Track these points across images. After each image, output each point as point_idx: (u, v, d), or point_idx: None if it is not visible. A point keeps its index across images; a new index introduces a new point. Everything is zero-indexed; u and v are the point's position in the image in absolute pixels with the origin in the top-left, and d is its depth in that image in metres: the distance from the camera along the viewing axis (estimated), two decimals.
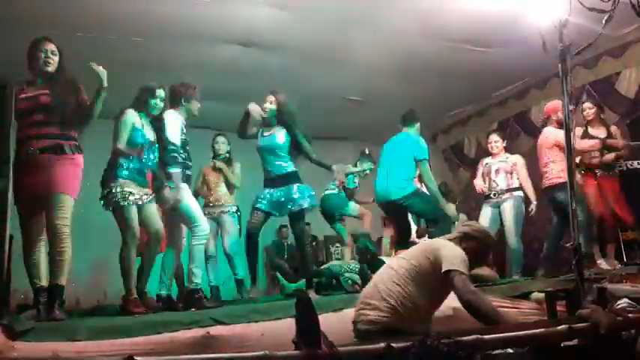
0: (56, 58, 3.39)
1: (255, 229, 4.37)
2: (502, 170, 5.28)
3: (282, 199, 4.29)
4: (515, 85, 6.77)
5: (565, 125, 3.09)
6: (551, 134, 4.93)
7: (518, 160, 5.35)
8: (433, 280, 2.66)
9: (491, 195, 5.27)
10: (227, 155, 5.21)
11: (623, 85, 5.60)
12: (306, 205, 4.30)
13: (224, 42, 5.18)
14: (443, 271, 2.61)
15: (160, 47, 5.02)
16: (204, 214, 4.37)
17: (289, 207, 4.28)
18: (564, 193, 4.43)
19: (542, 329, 2.09)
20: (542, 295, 3.74)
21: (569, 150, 3.08)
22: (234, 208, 5.14)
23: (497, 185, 5.26)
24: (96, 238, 5.21)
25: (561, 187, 4.49)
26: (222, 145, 5.21)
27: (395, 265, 2.81)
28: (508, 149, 5.55)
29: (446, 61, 5.69)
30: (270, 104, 4.38)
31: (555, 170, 4.86)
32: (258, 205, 4.36)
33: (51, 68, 3.35)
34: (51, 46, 3.38)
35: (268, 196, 4.35)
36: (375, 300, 2.67)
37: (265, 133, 4.43)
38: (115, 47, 4.87)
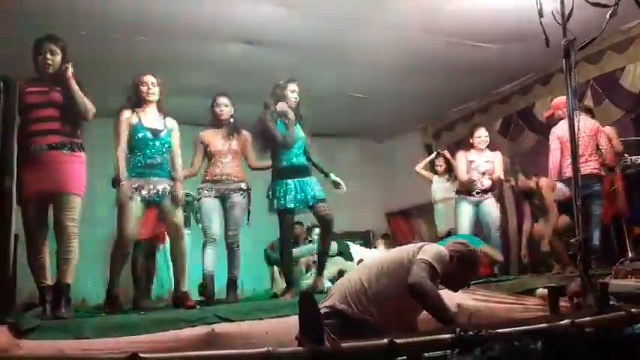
0: (57, 58, 3.37)
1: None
2: (487, 173, 5.32)
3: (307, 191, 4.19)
4: (519, 80, 6.75)
5: (569, 120, 3.08)
6: (585, 123, 4.84)
7: (497, 156, 5.41)
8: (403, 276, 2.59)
9: (474, 193, 5.27)
10: (231, 121, 4.41)
11: (628, 79, 5.57)
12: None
13: (226, 40, 5.19)
14: (415, 259, 2.59)
15: (161, 46, 5.03)
16: (205, 191, 4.26)
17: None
18: (595, 183, 4.67)
19: (545, 324, 2.08)
20: (547, 290, 3.75)
21: (573, 146, 3.07)
22: (245, 186, 4.38)
23: (483, 185, 5.29)
24: (101, 236, 5.23)
25: (588, 178, 4.53)
26: (225, 109, 4.40)
27: (371, 259, 2.86)
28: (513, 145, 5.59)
29: (449, 57, 5.67)
30: (295, 93, 4.26)
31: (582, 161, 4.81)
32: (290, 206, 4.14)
33: (52, 69, 3.34)
34: (51, 46, 3.36)
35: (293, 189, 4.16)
36: (336, 289, 2.77)
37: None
38: (117, 46, 4.89)
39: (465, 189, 5.31)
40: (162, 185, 3.75)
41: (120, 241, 3.66)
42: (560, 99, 4.88)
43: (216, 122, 4.41)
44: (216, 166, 4.33)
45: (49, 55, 3.35)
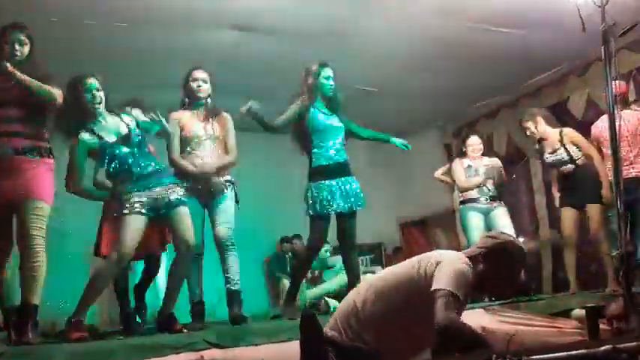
0: (26, 49, 3.37)
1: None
2: (490, 176, 5.43)
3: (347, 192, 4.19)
4: (551, 71, 6.68)
5: (610, 116, 3.08)
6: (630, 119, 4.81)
7: (496, 161, 5.62)
8: (415, 298, 2.47)
9: (482, 199, 5.39)
10: (209, 100, 4.21)
11: None
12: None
13: (216, 27, 5.17)
14: (432, 289, 2.40)
15: (142, 33, 5.02)
16: (184, 186, 3.92)
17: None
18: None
19: (583, 350, 2.06)
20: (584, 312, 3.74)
21: (614, 145, 3.06)
22: (231, 178, 4.22)
23: (490, 191, 5.41)
24: (73, 252, 5.23)
25: (633, 182, 4.60)
26: (204, 85, 4.20)
27: (374, 278, 2.76)
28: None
29: (471, 45, 5.66)
30: (330, 80, 4.33)
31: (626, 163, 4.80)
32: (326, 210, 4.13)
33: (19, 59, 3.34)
34: (19, 36, 3.35)
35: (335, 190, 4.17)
36: (335, 314, 2.66)
37: (324, 110, 4.31)
38: (92, 33, 4.89)
39: (470, 196, 5.43)
40: (167, 193, 3.66)
41: (111, 258, 3.52)
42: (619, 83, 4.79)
43: (192, 102, 4.21)
44: (196, 155, 4.10)
45: (17, 46, 3.34)
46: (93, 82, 3.60)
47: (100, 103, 3.62)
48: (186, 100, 4.23)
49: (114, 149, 3.62)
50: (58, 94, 3.36)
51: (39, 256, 3.23)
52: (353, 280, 4.19)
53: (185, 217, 3.70)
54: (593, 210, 4.98)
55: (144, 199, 3.57)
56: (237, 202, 4.20)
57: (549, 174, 5.75)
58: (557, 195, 5.35)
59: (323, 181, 4.15)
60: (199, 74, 4.21)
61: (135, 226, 3.54)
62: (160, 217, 3.67)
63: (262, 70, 5.67)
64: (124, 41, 5.07)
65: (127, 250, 3.50)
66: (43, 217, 3.28)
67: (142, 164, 3.66)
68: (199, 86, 4.17)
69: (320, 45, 5.42)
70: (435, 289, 2.38)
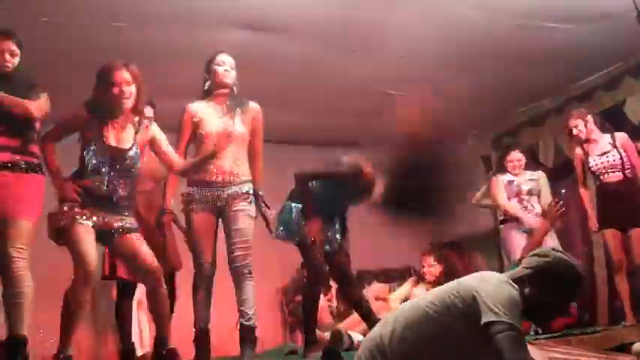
0: (16, 60, 3.44)
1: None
2: (534, 192, 5.53)
3: None
4: (605, 71, 6.67)
5: None
6: None
7: (542, 175, 5.68)
8: (449, 325, 2.40)
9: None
10: (234, 90, 4.01)
11: None
12: None
13: (229, 26, 5.21)
14: (483, 322, 2.30)
15: (143, 35, 5.09)
16: (196, 199, 3.83)
17: None
18: None
19: None
20: None
21: None
22: (251, 188, 3.93)
23: (534, 209, 5.45)
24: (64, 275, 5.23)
25: None
26: (231, 71, 4.01)
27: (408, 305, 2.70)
28: None
29: (513, 42, 5.65)
30: None
31: None
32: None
33: (9, 71, 3.43)
34: (9, 45, 3.42)
35: None
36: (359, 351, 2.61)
37: None
38: (88, 35, 4.96)
39: (512, 216, 5.44)
40: (116, 221, 3.45)
41: (78, 277, 3.28)
42: None
43: (214, 90, 3.96)
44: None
45: (7, 57, 3.41)
46: (125, 73, 3.37)
47: (127, 99, 3.37)
48: (208, 85, 3.99)
49: (97, 162, 3.41)
50: (34, 107, 3.37)
51: (22, 280, 3.24)
52: (366, 318, 4.24)
53: (138, 242, 3.48)
54: (638, 235, 4.99)
55: (92, 217, 3.37)
56: (265, 217, 4.06)
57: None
58: (592, 216, 5.35)
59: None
60: (226, 58, 4.02)
61: (87, 236, 3.32)
62: (109, 243, 3.53)
63: (274, 72, 5.70)
64: (122, 44, 5.09)
65: (89, 261, 3.29)
66: (28, 238, 3.30)
67: (106, 189, 3.43)
68: (226, 70, 3.98)
69: (340, 43, 5.44)
70: (489, 322, 2.30)
